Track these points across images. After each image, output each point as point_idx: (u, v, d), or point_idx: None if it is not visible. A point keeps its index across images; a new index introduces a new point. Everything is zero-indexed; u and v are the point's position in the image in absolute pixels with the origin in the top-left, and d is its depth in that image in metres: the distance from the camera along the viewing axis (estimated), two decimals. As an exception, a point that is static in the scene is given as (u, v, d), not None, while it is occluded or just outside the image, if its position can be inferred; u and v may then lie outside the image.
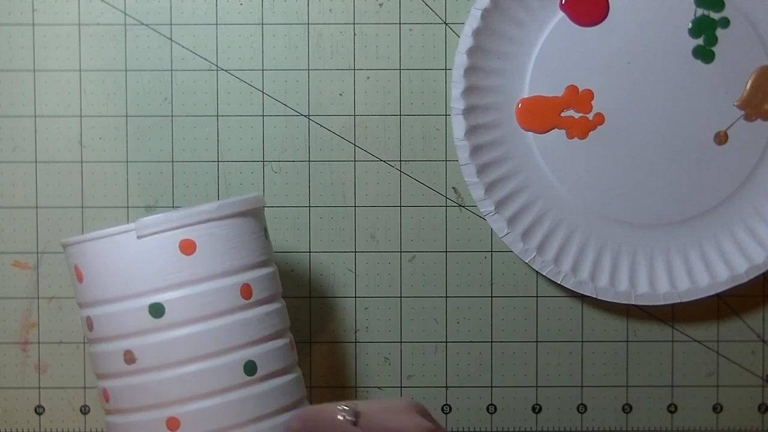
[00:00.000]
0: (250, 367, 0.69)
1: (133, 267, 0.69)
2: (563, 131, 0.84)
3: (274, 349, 0.71)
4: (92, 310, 0.70)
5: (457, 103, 0.83)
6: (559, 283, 0.83)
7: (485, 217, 0.83)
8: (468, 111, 0.83)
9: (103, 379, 0.71)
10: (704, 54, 0.84)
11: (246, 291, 0.70)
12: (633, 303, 0.83)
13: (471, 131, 0.83)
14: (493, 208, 0.83)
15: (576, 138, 0.84)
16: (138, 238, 0.68)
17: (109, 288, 0.70)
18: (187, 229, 0.69)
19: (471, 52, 0.82)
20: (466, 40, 0.82)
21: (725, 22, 0.84)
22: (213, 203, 0.71)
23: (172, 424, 0.68)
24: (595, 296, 0.83)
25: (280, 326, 0.73)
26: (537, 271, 0.85)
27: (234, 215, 0.71)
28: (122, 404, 0.70)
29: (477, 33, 0.82)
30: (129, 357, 0.69)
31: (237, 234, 0.71)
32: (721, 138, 0.84)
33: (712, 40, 0.84)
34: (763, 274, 0.84)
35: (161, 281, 0.69)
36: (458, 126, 0.83)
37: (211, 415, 0.68)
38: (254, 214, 0.73)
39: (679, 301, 0.83)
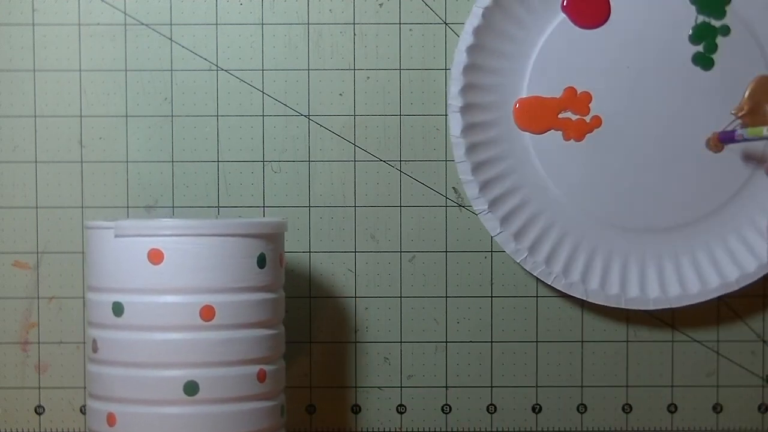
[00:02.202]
0: (190, 387, 0.71)
1: (107, 263, 0.73)
2: (560, 133, 0.86)
3: (228, 376, 0.72)
4: (87, 293, 0.76)
5: (455, 101, 0.85)
6: (549, 284, 0.86)
7: (478, 216, 0.86)
8: (465, 109, 0.85)
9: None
10: (704, 61, 0.86)
11: (207, 312, 0.72)
12: (623, 307, 0.86)
13: (467, 129, 0.86)
14: (486, 206, 0.86)
15: (572, 140, 0.86)
16: (115, 237, 0.73)
17: (90, 276, 0.75)
18: (159, 239, 0.71)
19: (471, 50, 0.85)
20: (466, 38, 0.85)
21: (726, 30, 0.86)
22: (194, 220, 0.74)
23: (111, 419, 0.73)
24: (585, 299, 0.86)
25: (246, 355, 0.73)
26: (536, 272, 0.88)
27: (213, 234, 0.72)
28: (87, 385, 0.76)
29: (477, 31, 0.85)
30: (94, 346, 0.74)
31: (211, 254, 0.72)
32: (717, 145, 0.86)
33: (712, 47, 0.86)
34: (755, 281, 0.87)
35: (126, 283, 0.72)
36: (455, 123, 0.85)
37: (147, 424, 0.72)
38: (248, 237, 0.73)
39: (669, 306, 0.86)
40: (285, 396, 0.79)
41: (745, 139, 0.79)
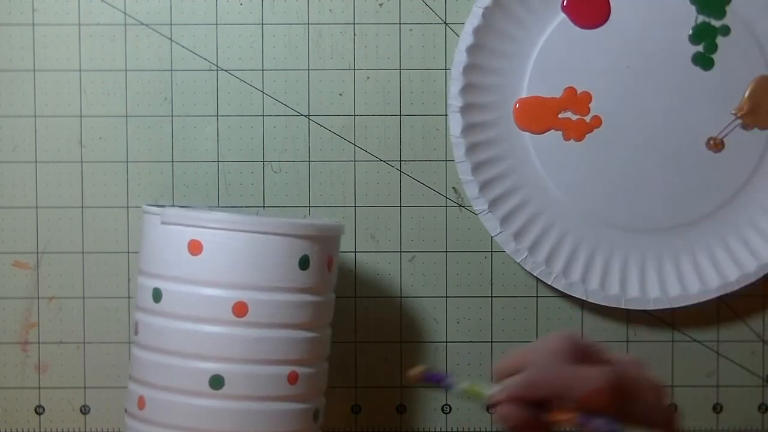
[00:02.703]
0: (216, 381, 0.72)
1: (152, 248, 0.75)
2: (560, 133, 0.87)
3: (255, 374, 0.72)
4: (137, 276, 0.78)
5: (455, 101, 0.86)
6: (549, 284, 0.87)
7: (478, 216, 0.87)
8: (465, 109, 0.86)
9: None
10: (704, 61, 0.86)
11: (240, 308, 0.72)
12: (623, 307, 0.86)
13: (468, 129, 0.86)
14: (486, 206, 0.86)
15: (572, 140, 0.87)
16: (161, 223, 0.74)
17: (139, 260, 0.78)
18: (200, 230, 0.72)
19: (471, 50, 0.85)
20: (466, 38, 0.85)
21: (726, 30, 0.86)
22: (238, 215, 0.74)
23: (141, 403, 0.74)
24: (585, 299, 0.86)
25: (276, 355, 0.73)
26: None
27: (253, 231, 0.72)
28: (130, 367, 0.78)
29: (477, 31, 0.85)
30: (136, 328, 0.76)
31: (249, 250, 0.72)
32: (718, 145, 0.87)
33: (712, 47, 0.86)
34: (755, 281, 0.87)
35: (166, 270, 0.73)
36: (455, 123, 0.86)
37: (172, 412, 0.73)
38: (291, 237, 0.73)
39: (669, 306, 0.86)
40: (325, 401, 0.79)
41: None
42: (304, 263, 0.73)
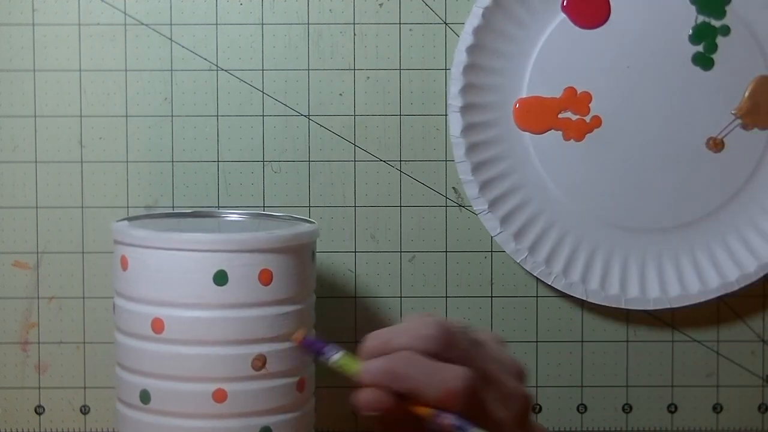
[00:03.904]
0: (144, 395, 0.71)
1: (110, 264, 0.76)
2: (560, 133, 0.87)
3: (178, 391, 0.70)
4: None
5: (455, 101, 0.86)
6: (549, 284, 0.87)
7: (479, 216, 0.87)
8: (465, 108, 0.86)
9: None
10: (704, 61, 0.86)
11: (157, 325, 0.71)
12: (623, 307, 0.87)
13: (468, 129, 0.86)
14: (486, 206, 0.87)
15: (572, 140, 0.87)
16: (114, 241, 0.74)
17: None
18: (128, 248, 0.71)
19: (471, 50, 0.86)
20: (466, 38, 0.86)
21: (726, 30, 0.86)
22: (160, 232, 0.72)
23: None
24: (585, 299, 0.86)
25: (197, 372, 0.70)
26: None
27: (166, 248, 0.70)
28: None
29: (477, 31, 0.85)
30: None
31: (164, 267, 0.70)
32: (718, 145, 0.87)
33: (712, 47, 0.86)
34: (755, 281, 0.87)
35: (115, 284, 0.74)
36: (455, 123, 0.86)
37: (115, 420, 0.74)
38: (203, 252, 0.70)
39: (669, 306, 0.87)
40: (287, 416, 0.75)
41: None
42: (220, 279, 0.70)
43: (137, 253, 0.71)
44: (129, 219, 0.79)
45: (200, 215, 0.82)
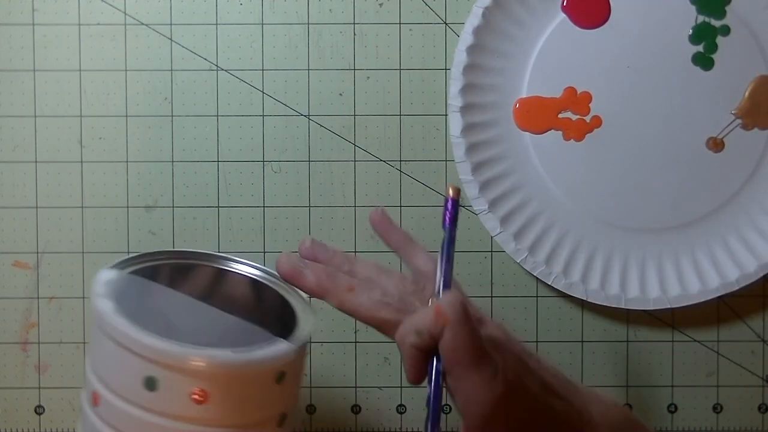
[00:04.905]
0: None
1: None
2: (560, 133, 0.87)
3: None
4: None
5: (455, 101, 0.86)
6: (549, 284, 0.87)
7: (478, 216, 0.87)
8: (465, 108, 0.86)
9: None
10: (704, 61, 0.87)
11: (95, 398, 0.68)
12: (623, 307, 0.87)
13: (467, 129, 0.86)
14: (486, 206, 0.87)
15: (572, 140, 0.87)
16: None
17: None
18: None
19: (471, 49, 0.86)
20: (466, 38, 0.86)
21: (726, 30, 0.86)
22: (111, 317, 0.67)
23: None
24: (585, 299, 0.86)
25: None
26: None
27: (107, 337, 0.66)
28: None
29: (477, 31, 0.86)
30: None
31: (102, 351, 0.67)
32: (718, 145, 0.87)
33: (712, 47, 0.86)
34: (755, 281, 0.87)
35: None
36: (455, 123, 0.86)
37: None
38: (133, 353, 0.65)
39: (669, 306, 0.87)
40: None
41: None
42: (150, 384, 0.65)
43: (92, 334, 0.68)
44: (123, 264, 0.73)
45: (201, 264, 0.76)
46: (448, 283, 0.66)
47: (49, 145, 0.89)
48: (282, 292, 0.73)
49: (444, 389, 0.63)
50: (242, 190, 0.89)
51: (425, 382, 0.63)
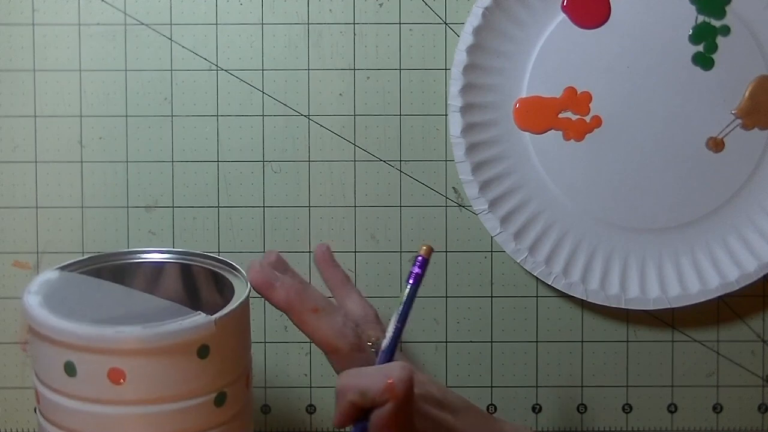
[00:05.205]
0: None
1: None
2: (560, 133, 0.87)
3: None
4: None
5: (455, 101, 0.86)
6: (549, 284, 0.87)
7: (478, 216, 0.87)
8: (465, 108, 0.86)
9: None
10: (704, 61, 0.87)
11: (38, 395, 0.68)
12: (623, 306, 0.87)
13: (467, 129, 0.87)
14: (486, 206, 0.87)
15: (572, 140, 0.87)
16: None
17: None
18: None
19: (471, 49, 0.86)
20: (466, 38, 0.86)
21: (726, 30, 0.86)
22: (44, 312, 0.67)
23: None
24: (585, 299, 0.87)
25: None
26: (536, 272, 0.89)
27: (33, 332, 0.67)
28: None
29: (477, 31, 0.86)
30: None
31: (35, 348, 0.68)
32: (718, 145, 0.87)
33: (712, 47, 0.86)
34: (755, 281, 0.87)
35: None
36: (455, 123, 0.86)
37: None
38: (53, 342, 0.66)
39: (669, 306, 0.87)
40: None
41: None
42: (70, 370, 0.66)
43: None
44: (67, 267, 0.74)
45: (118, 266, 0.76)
46: (393, 344, 0.68)
47: (49, 145, 0.89)
48: (229, 276, 0.73)
49: None
50: (242, 190, 0.89)
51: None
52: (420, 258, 0.69)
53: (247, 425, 0.70)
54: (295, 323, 0.71)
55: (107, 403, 0.66)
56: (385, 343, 0.68)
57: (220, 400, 0.67)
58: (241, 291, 0.70)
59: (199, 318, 0.66)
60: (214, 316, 0.66)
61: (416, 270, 0.69)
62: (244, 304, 0.68)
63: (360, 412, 0.64)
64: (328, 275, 0.77)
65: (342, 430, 0.67)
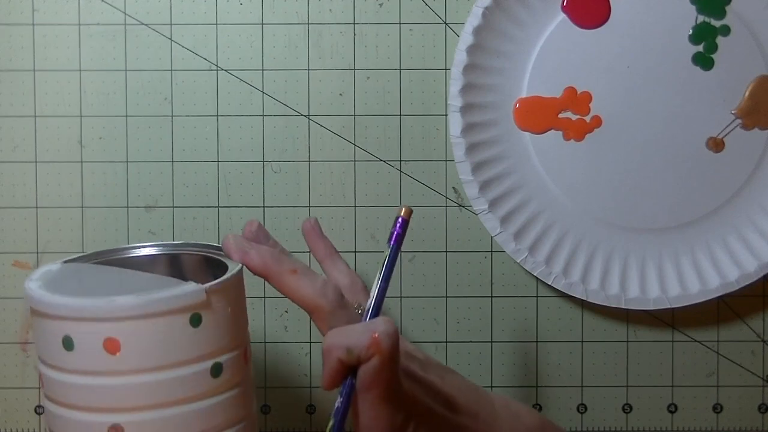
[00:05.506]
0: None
1: None
2: (560, 133, 0.87)
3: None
4: None
5: (455, 101, 0.86)
6: (549, 284, 0.87)
7: (478, 216, 0.87)
8: (465, 108, 0.86)
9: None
10: (704, 61, 0.87)
11: (42, 379, 0.69)
12: (623, 307, 0.87)
13: (467, 129, 0.86)
14: (486, 206, 0.87)
15: (572, 140, 0.87)
16: None
17: None
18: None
19: (471, 49, 0.86)
20: (466, 38, 0.86)
21: (726, 30, 0.86)
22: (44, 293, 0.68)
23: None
24: (585, 299, 0.87)
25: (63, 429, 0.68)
26: (536, 272, 0.89)
27: (32, 310, 0.68)
28: None
29: (477, 31, 0.86)
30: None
31: (34, 323, 0.69)
32: (718, 145, 0.87)
33: (712, 47, 0.86)
34: (755, 281, 0.87)
35: None
36: (455, 123, 0.86)
37: None
38: (50, 317, 0.67)
39: (669, 306, 0.87)
40: None
41: None
42: (68, 344, 0.66)
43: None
44: (70, 260, 0.74)
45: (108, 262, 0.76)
46: (379, 303, 0.68)
47: (49, 145, 0.89)
48: (222, 259, 0.73)
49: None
50: (242, 190, 0.89)
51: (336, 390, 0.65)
52: (400, 219, 0.70)
53: (247, 400, 0.71)
54: (275, 287, 0.69)
55: (105, 374, 0.67)
56: (369, 302, 0.68)
57: (216, 370, 0.68)
58: (234, 267, 0.71)
59: (191, 286, 0.67)
60: (206, 285, 0.67)
61: (397, 230, 0.70)
62: (237, 276, 0.69)
63: (348, 370, 0.64)
64: (316, 246, 0.78)
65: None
